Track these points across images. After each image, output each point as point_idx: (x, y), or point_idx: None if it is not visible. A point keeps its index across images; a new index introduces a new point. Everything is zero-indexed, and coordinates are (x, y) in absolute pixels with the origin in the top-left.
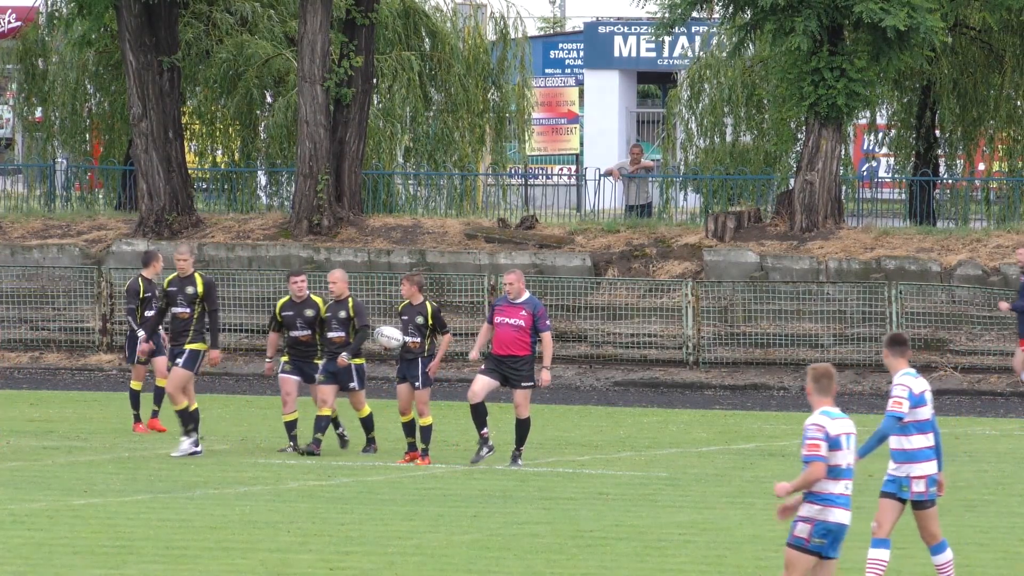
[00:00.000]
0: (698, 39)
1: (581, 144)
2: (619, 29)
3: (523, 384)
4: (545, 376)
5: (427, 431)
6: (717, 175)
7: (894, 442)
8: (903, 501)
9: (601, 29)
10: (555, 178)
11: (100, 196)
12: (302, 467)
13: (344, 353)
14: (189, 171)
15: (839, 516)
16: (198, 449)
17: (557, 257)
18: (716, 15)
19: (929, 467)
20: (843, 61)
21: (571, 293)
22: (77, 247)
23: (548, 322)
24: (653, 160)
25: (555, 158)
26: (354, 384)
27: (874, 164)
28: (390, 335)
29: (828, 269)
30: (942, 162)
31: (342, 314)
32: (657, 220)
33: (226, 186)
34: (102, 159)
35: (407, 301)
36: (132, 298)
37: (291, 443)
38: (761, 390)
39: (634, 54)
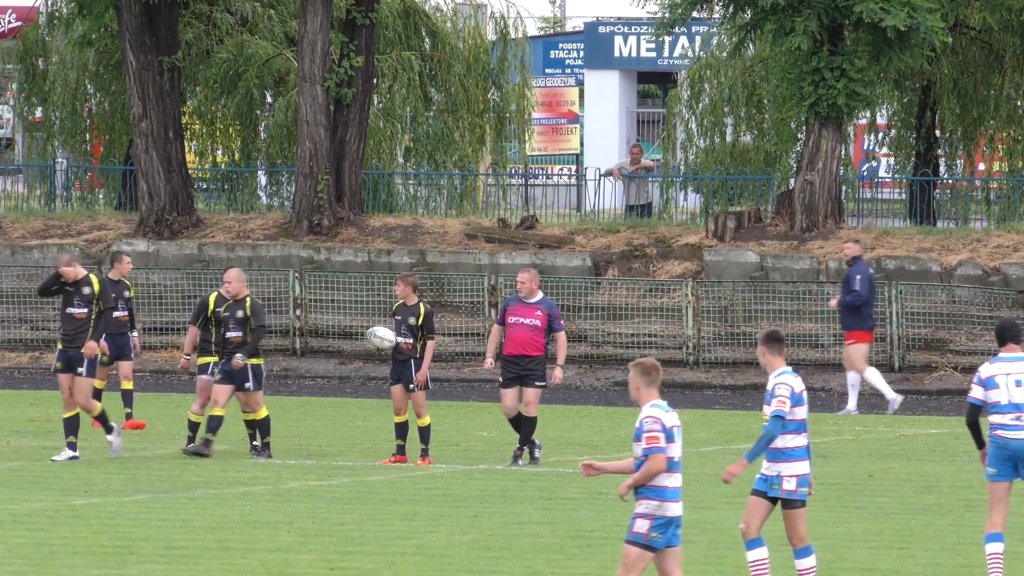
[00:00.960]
0: (698, 39)
1: (581, 144)
2: (619, 29)
3: (536, 383)
4: (558, 374)
5: (426, 431)
6: (717, 175)
7: None
8: (773, 500)
9: (601, 29)
10: (555, 178)
11: (100, 196)
12: (302, 467)
13: (239, 355)
14: (189, 171)
15: (675, 509)
16: (75, 454)
17: (557, 257)
18: (716, 15)
19: (802, 467)
20: (843, 61)
21: (571, 293)
22: (77, 247)
23: (562, 322)
24: (653, 160)
25: (555, 158)
26: (250, 384)
27: (874, 164)
28: (383, 335)
29: (828, 269)
30: (942, 162)
31: (240, 314)
32: (657, 220)
33: (226, 186)
34: (102, 159)
35: (401, 301)
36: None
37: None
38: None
39: (634, 54)
